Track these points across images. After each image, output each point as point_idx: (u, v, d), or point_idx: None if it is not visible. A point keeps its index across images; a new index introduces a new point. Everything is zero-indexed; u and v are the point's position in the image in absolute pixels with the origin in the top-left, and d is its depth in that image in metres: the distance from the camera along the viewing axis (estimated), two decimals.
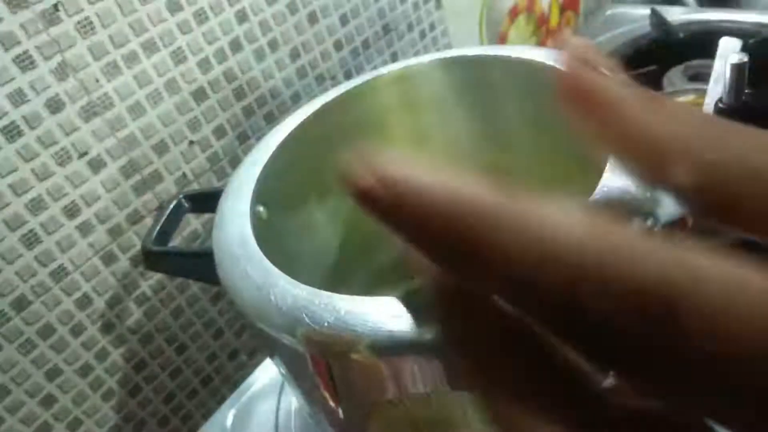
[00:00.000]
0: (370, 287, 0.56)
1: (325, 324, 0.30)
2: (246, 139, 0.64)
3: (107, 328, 0.58)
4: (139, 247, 0.58)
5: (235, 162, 0.63)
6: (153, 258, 0.44)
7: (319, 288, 0.32)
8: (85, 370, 0.57)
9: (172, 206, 0.47)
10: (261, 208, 0.45)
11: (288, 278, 0.33)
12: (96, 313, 0.56)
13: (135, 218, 0.57)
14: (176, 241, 0.60)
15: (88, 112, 0.52)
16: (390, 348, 0.29)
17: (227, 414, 0.58)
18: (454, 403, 0.33)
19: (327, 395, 0.38)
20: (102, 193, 0.54)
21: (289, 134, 0.46)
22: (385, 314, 0.29)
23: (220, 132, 0.61)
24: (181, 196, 0.48)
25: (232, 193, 0.41)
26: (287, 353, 0.35)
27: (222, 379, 0.70)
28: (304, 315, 0.31)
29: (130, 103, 0.54)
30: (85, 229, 0.54)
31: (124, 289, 0.58)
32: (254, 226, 0.39)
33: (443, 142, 0.54)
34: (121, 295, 0.58)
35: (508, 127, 0.50)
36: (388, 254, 0.58)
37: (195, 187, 0.60)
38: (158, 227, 0.46)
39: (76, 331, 0.56)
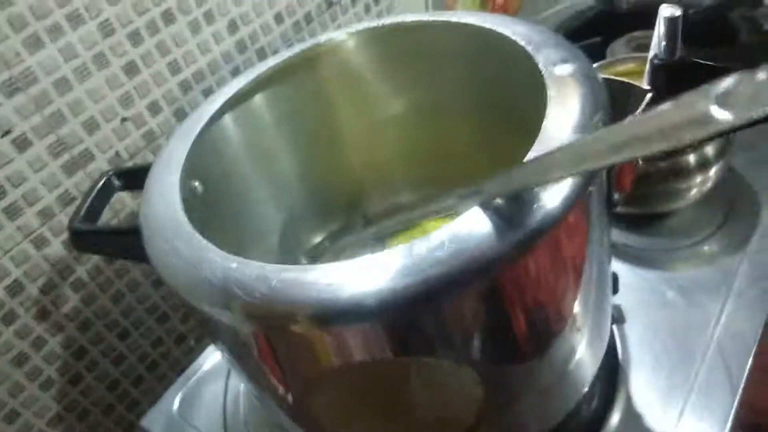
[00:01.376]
0: (312, 258, 0.55)
1: (258, 295, 0.29)
2: (184, 116, 0.62)
3: (42, 315, 0.55)
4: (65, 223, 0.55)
5: None
6: (80, 237, 0.42)
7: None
8: (20, 360, 0.54)
9: (101, 184, 0.45)
10: (196, 183, 0.43)
11: (219, 251, 0.32)
12: (29, 300, 0.54)
13: (66, 200, 0.54)
14: (111, 222, 0.58)
15: (10, 88, 0.49)
16: (330, 317, 0.28)
17: (174, 398, 0.57)
18: (397, 369, 0.32)
19: (269, 372, 0.37)
20: (29, 174, 0.51)
21: (224, 104, 0.44)
22: (323, 282, 0.28)
23: (155, 108, 0.59)
24: (110, 172, 0.46)
25: (161, 165, 0.39)
26: (227, 332, 0.34)
27: (169, 365, 0.68)
28: (237, 288, 0.30)
29: (56, 78, 0.51)
30: (12, 211, 0.51)
31: (58, 274, 0.55)
32: (187, 201, 0.37)
33: (385, 112, 0.53)
34: (55, 280, 0.55)
35: (450, 94, 0.49)
36: (331, 225, 0.58)
37: (130, 164, 0.58)
38: (86, 205, 0.43)
39: (8, 319, 0.53)
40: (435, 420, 0.36)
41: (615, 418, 0.46)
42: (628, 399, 0.47)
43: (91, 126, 0.54)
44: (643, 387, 0.47)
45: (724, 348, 0.47)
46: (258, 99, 0.48)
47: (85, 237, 0.42)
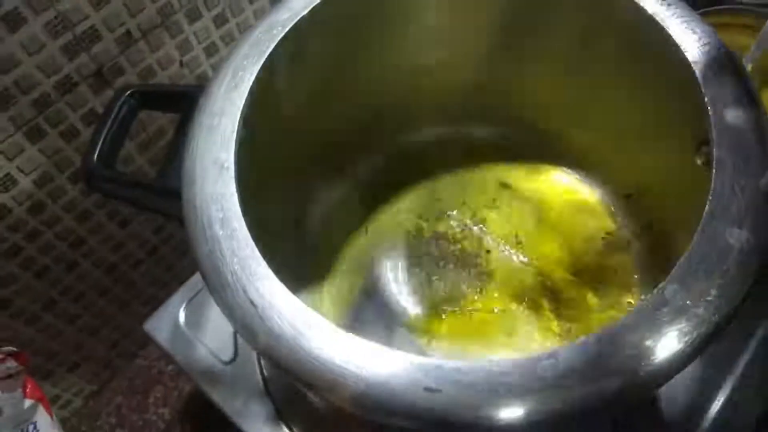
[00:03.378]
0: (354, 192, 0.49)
1: (338, 377, 0.24)
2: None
3: (37, 208, 0.49)
4: (72, 120, 0.47)
5: (194, 14, 0.50)
6: (96, 181, 0.35)
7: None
8: (14, 250, 0.50)
9: (118, 106, 0.37)
10: (244, 132, 0.36)
11: (290, 296, 0.26)
12: (23, 195, 0.47)
13: (66, 87, 0.45)
14: (139, 139, 0.50)
15: None
16: (407, 417, 0.24)
17: (180, 306, 0.54)
18: None
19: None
20: (23, 57, 0.42)
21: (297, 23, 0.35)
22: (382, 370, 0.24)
23: None
24: (128, 92, 0.37)
25: (208, 129, 0.31)
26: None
27: (170, 248, 0.64)
28: (310, 355, 0.25)
29: None
30: (3, 100, 0.42)
31: (55, 166, 0.48)
32: (237, 158, 0.30)
33: (460, 43, 0.44)
34: (51, 172, 0.48)
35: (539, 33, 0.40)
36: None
37: (142, 47, 0.48)
38: (102, 137, 0.36)
39: (2, 215, 0.47)
40: None
41: None
42: None
43: None
44: None
45: None
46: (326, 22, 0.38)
47: (103, 182, 0.35)
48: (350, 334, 0.25)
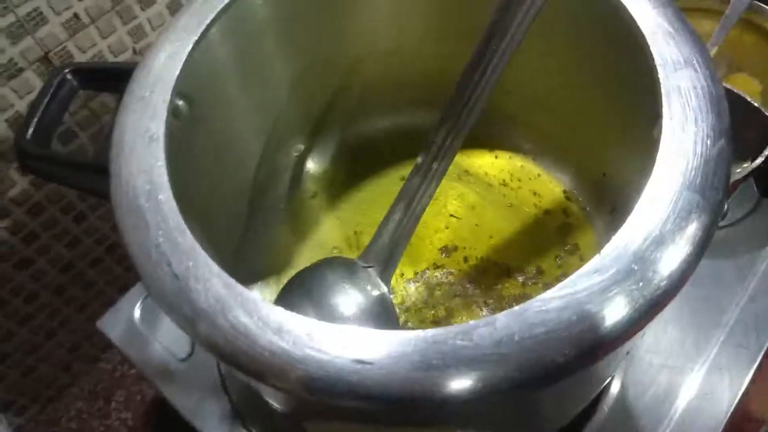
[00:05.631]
0: (295, 192, 0.49)
1: (265, 351, 0.23)
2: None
3: None
4: (18, 108, 0.45)
5: (148, 0, 0.49)
6: (29, 160, 0.33)
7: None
8: None
9: (55, 84, 0.35)
10: (180, 102, 0.34)
11: (217, 269, 0.25)
12: None
13: (11, 72, 0.44)
14: (79, 116, 0.48)
15: None
16: (339, 393, 0.23)
17: (135, 304, 0.52)
18: None
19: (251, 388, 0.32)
20: None
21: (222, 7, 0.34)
22: (343, 350, 0.22)
23: None
24: (66, 71, 0.36)
25: (139, 100, 0.30)
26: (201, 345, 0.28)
27: None
28: (232, 327, 0.23)
29: None
30: None
31: (1, 156, 0.46)
32: (169, 126, 0.29)
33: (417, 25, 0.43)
34: None
35: None
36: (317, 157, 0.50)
37: (92, 31, 0.47)
38: (37, 115, 0.34)
39: None
40: None
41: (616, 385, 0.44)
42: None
43: None
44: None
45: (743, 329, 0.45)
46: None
47: (36, 161, 0.33)
48: (279, 308, 0.24)
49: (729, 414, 0.43)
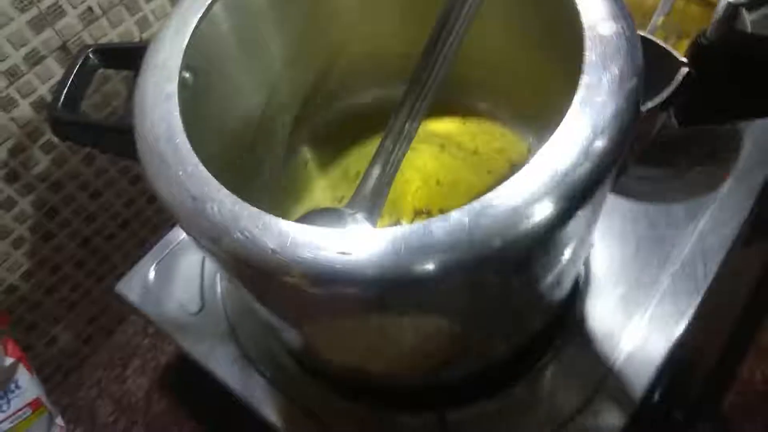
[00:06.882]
0: (288, 160, 0.54)
1: (268, 250, 0.29)
2: None
3: (12, 176, 0.53)
4: (41, 92, 0.51)
5: None
6: (62, 127, 0.39)
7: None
8: None
9: (81, 61, 0.41)
10: (187, 74, 0.40)
11: (226, 191, 0.30)
12: None
13: (34, 59, 0.49)
14: (92, 100, 0.54)
15: None
16: (327, 280, 0.28)
17: (150, 267, 0.57)
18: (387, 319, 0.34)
19: (256, 299, 0.38)
20: None
21: None
22: (330, 246, 0.28)
23: None
24: (89, 51, 0.41)
25: (154, 67, 0.36)
26: (217, 257, 0.34)
27: (141, 223, 0.68)
28: (242, 234, 0.29)
29: None
30: None
31: (27, 136, 0.52)
32: (180, 96, 0.35)
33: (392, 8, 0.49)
34: (24, 143, 0.52)
35: None
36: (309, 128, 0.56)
37: (104, 23, 0.53)
38: (65, 89, 0.40)
39: None
40: (416, 351, 0.38)
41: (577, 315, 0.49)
42: (586, 311, 0.50)
43: None
44: (601, 300, 0.50)
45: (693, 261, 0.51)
46: None
47: (68, 127, 0.39)
48: (277, 218, 0.29)
49: (680, 334, 0.49)
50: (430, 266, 0.27)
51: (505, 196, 0.28)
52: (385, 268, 0.28)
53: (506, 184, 0.29)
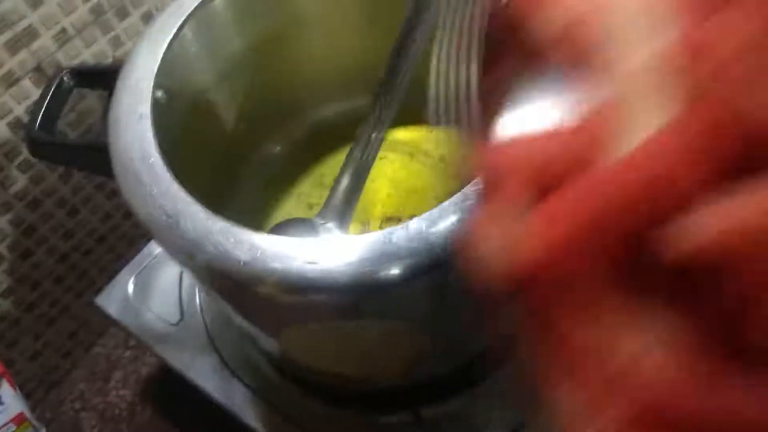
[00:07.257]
0: (260, 172, 0.56)
1: (240, 262, 0.30)
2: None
3: None
4: (17, 112, 0.52)
5: (122, 12, 0.56)
6: (38, 146, 0.40)
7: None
8: None
9: (55, 83, 0.42)
10: (159, 93, 0.42)
11: (199, 206, 0.32)
12: None
13: (10, 80, 0.50)
14: (68, 118, 0.55)
15: None
16: (298, 289, 0.30)
17: (128, 280, 0.59)
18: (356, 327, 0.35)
19: (234, 309, 0.39)
20: None
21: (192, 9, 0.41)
22: (299, 256, 0.30)
23: None
24: (64, 73, 0.43)
25: (128, 88, 0.37)
26: (193, 270, 0.35)
27: (117, 237, 0.69)
28: (215, 248, 0.31)
29: None
30: None
31: (4, 156, 0.53)
32: (153, 115, 0.36)
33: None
34: (1, 162, 0.53)
35: None
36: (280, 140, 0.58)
37: (78, 43, 0.54)
38: (42, 110, 0.41)
39: None
40: (388, 354, 0.40)
41: None
42: None
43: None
44: None
45: None
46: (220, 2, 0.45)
47: (45, 148, 0.40)
48: (249, 231, 0.31)
49: None
50: (393, 272, 0.29)
51: (462, 202, 0.30)
52: (351, 275, 0.29)
53: (464, 190, 0.31)
